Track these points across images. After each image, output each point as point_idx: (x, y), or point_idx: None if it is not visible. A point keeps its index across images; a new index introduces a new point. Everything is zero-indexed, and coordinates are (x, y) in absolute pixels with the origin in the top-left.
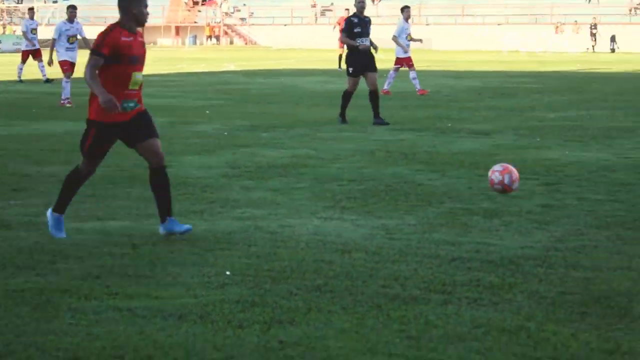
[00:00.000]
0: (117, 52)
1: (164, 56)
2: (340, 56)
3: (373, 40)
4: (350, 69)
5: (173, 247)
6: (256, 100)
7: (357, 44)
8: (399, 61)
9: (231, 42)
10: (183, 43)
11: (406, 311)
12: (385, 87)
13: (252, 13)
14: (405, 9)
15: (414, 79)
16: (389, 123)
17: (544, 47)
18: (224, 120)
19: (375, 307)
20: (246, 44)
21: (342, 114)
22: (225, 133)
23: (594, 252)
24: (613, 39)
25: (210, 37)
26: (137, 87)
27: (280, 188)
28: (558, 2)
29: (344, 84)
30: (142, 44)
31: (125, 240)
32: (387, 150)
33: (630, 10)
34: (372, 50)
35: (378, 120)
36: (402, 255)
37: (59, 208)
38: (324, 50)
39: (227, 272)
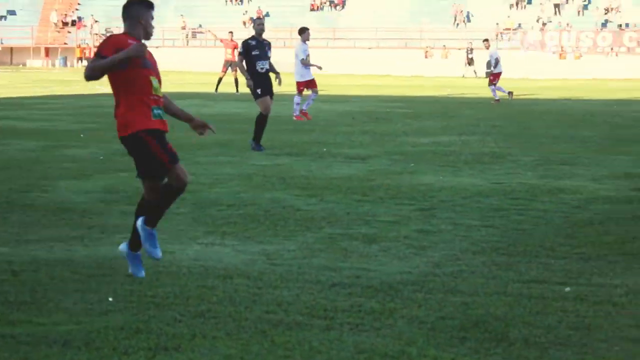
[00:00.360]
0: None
1: (34, 78)
2: (237, 80)
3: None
4: (258, 91)
5: (54, 273)
6: None
7: (247, 77)
8: (301, 85)
9: None
10: (53, 65)
11: (290, 337)
12: (304, 107)
13: None
14: (304, 31)
15: (297, 103)
16: (263, 149)
17: (414, 71)
18: (99, 144)
19: (259, 333)
20: None
21: (257, 140)
22: (101, 157)
23: (471, 277)
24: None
25: (81, 58)
26: (160, 94)
27: None
28: (427, 27)
29: (257, 107)
30: (151, 54)
31: (5, 266)
32: (264, 175)
33: (497, 35)
34: (276, 83)
35: (257, 147)
36: (284, 281)
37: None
38: (197, 73)
39: (110, 299)
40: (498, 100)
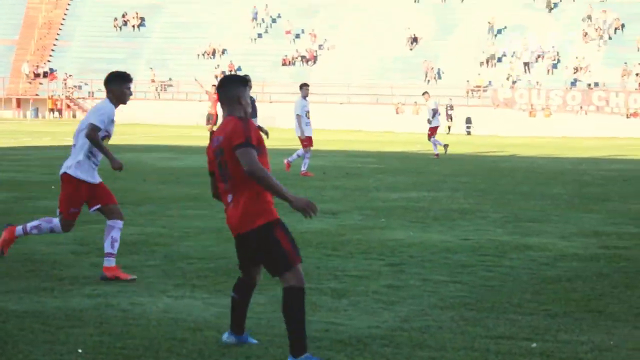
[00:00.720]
0: None
1: (5, 129)
2: (212, 133)
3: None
4: None
5: (23, 324)
6: (102, 176)
7: None
8: (304, 141)
9: (74, 116)
10: (25, 116)
11: None
12: (290, 160)
13: (92, 93)
14: (303, 87)
15: (301, 157)
16: None
17: (385, 127)
18: None
19: None
20: None
21: None
22: None
23: (439, 332)
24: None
25: (52, 110)
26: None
27: (130, 265)
28: (398, 83)
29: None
30: None
31: None
32: None
33: (468, 92)
34: (263, 135)
35: None
36: (253, 334)
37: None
38: (169, 126)
39: (79, 350)
40: (437, 155)
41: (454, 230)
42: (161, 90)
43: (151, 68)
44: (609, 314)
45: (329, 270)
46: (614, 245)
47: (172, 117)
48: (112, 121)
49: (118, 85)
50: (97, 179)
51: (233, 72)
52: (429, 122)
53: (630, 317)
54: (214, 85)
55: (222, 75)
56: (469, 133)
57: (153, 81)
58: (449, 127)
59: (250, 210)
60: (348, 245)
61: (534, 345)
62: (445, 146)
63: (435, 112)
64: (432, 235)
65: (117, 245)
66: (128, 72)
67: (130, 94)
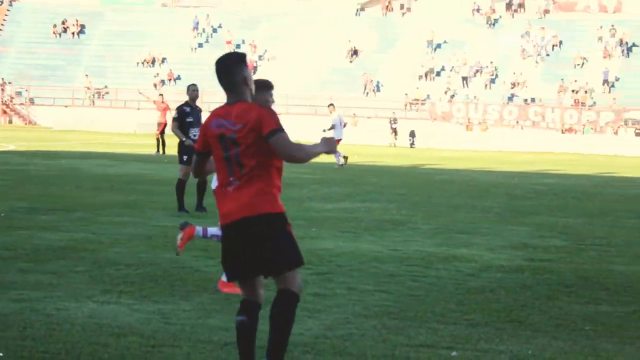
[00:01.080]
0: None
1: None
2: (158, 140)
3: None
4: (184, 157)
5: None
6: (36, 182)
7: (184, 139)
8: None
9: (10, 122)
10: None
11: None
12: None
13: (33, 100)
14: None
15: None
16: (207, 210)
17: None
18: (0, 201)
19: None
20: (26, 124)
21: (181, 205)
22: (2, 214)
23: (361, 340)
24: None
25: None
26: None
27: (58, 271)
28: (337, 94)
29: (178, 172)
30: None
31: None
32: (165, 236)
33: (406, 105)
34: None
35: (201, 209)
36: (177, 340)
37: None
38: (107, 133)
39: (0, 354)
40: (342, 165)
41: (384, 240)
42: (98, 97)
43: (87, 75)
44: (529, 324)
45: None
46: (539, 258)
47: (110, 125)
48: None
49: (262, 94)
50: None
51: (172, 81)
52: (324, 131)
53: (550, 327)
54: (160, 95)
55: (160, 84)
56: (412, 146)
57: (89, 88)
58: (394, 141)
59: (261, 198)
60: None
61: (454, 353)
62: (345, 158)
63: (336, 125)
64: (362, 245)
65: None
66: (66, 79)
67: (273, 102)
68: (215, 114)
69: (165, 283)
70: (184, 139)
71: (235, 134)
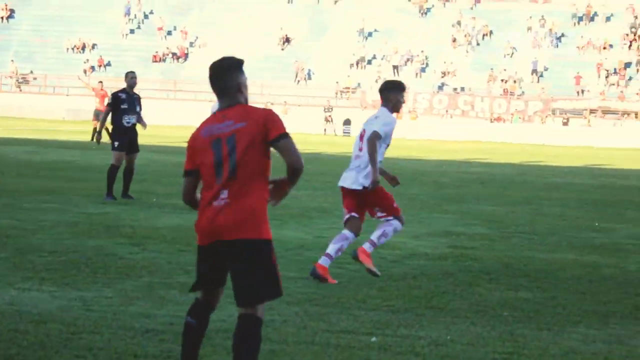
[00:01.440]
0: None
1: None
2: (95, 129)
3: (143, 117)
4: (116, 144)
5: None
6: None
7: (104, 127)
8: None
9: None
10: None
11: None
12: None
13: None
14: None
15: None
16: (133, 198)
17: None
18: None
19: None
20: None
21: (110, 191)
22: None
23: (282, 327)
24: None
25: None
26: None
27: None
28: (268, 82)
29: (111, 159)
30: None
31: None
32: (90, 223)
33: (337, 94)
34: (141, 127)
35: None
36: (97, 327)
37: None
38: (30, 119)
39: None
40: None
41: (310, 227)
42: (24, 83)
43: (12, 60)
44: (449, 311)
45: (180, 265)
46: (462, 245)
47: (38, 111)
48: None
49: (395, 94)
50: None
51: (102, 67)
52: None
53: (470, 314)
54: (100, 82)
55: (90, 70)
56: (347, 134)
57: (15, 74)
58: (325, 129)
59: (255, 219)
60: None
61: (374, 339)
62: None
63: None
64: (287, 232)
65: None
66: None
67: (404, 102)
68: (205, 123)
69: (88, 270)
70: (105, 128)
71: (235, 133)
